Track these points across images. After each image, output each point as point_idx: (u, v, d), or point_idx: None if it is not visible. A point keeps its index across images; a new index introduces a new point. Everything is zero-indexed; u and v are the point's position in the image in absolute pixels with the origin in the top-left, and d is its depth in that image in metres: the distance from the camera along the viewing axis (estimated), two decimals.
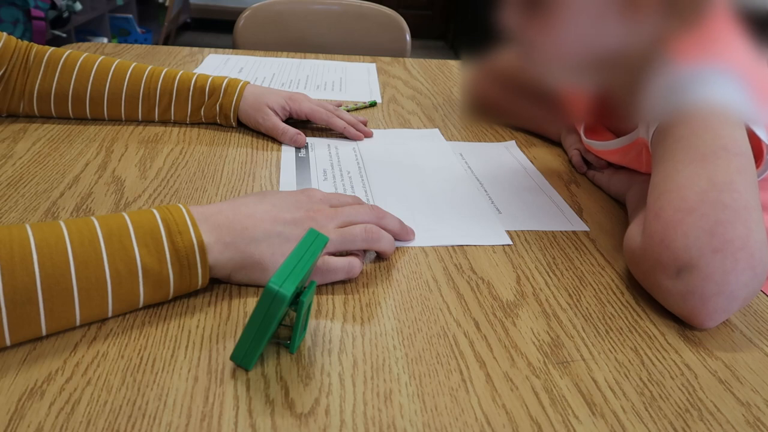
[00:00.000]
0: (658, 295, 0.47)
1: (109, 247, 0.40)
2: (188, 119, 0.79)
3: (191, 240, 0.42)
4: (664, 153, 0.51)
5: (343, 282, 0.49)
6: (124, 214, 0.43)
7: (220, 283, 0.47)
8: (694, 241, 0.43)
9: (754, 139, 0.50)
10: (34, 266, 0.37)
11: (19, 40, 0.76)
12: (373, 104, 0.94)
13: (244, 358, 0.39)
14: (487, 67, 0.86)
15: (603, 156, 0.71)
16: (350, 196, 0.54)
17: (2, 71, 0.73)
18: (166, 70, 0.77)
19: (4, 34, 0.73)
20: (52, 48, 0.77)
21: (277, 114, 0.77)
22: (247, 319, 0.43)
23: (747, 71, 0.53)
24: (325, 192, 0.53)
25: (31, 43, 0.76)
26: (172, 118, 0.79)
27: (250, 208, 0.47)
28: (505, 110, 0.88)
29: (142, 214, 0.43)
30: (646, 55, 0.56)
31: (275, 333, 0.41)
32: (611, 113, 0.70)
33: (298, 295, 0.40)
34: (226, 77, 0.78)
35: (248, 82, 0.79)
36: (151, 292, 0.42)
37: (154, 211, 0.43)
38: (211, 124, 0.80)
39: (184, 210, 0.44)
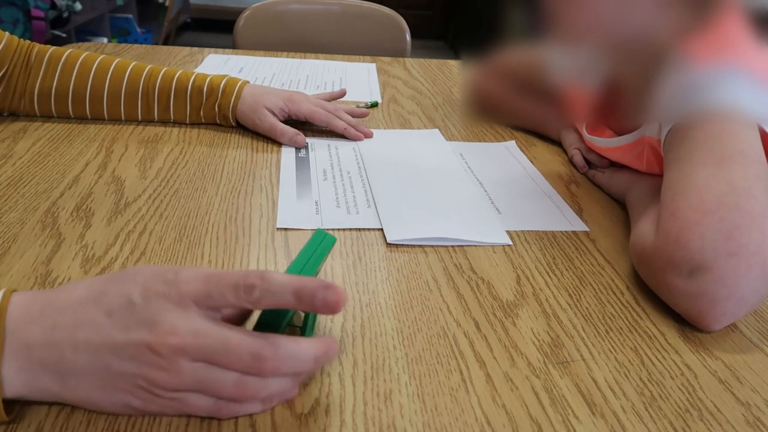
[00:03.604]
0: (667, 294, 0.47)
1: None
2: (188, 119, 0.79)
3: None
4: (681, 154, 0.51)
5: (343, 282, 0.49)
6: None
7: None
8: (710, 243, 0.43)
9: (764, 138, 0.51)
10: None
11: (21, 39, 0.76)
12: (374, 105, 0.94)
13: None
14: (488, 65, 0.86)
15: (604, 153, 0.71)
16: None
17: (4, 70, 0.73)
18: (165, 69, 0.77)
19: (6, 33, 0.73)
20: (54, 47, 0.77)
21: (275, 115, 0.77)
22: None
23: (761, 72, 0.54)
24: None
25: (33, 42, 0.76)
26: (172, 118, 0.78)
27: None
28: (506, 109, 0.88)
29: None
30: (664, 49, 0.56)
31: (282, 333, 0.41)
32: (615, 111, 0.70)
33: None
34: (225, 76, 0.78)
35: (247, 82, 0.79)
36: None
37: None
38: (211, 124, 0.80)
39: None
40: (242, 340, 0.32)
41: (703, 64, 0.54)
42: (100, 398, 0.33)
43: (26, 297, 0.34)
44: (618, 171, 0.69)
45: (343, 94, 0.91)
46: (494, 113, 0.90)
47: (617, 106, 0.69)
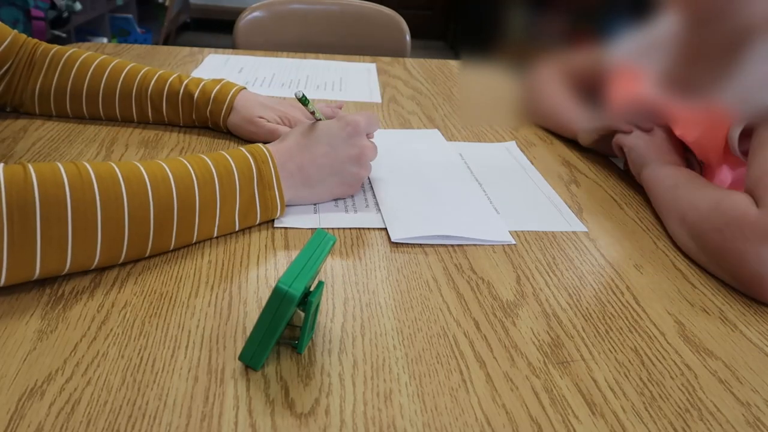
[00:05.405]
0: (752, 257, 0.50)
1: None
2: (181, 122, 0.78)
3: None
4: None
5: (343, 282, 0.49)
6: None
7: (220, 283, 0.47)
8: None
9: None
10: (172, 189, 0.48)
11: (28, 37, 0.76)
12: (304, 101, 0.77)
13: (252, 358, 0.39)
14: (548, 69, 0.87)
15: (675, 111, 0.70)
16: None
17: (7, 66, 0.74)
18: (160, 72, 0.76)
19: (14, 30, 0.74)
20: (57, 46, 0.77)
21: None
22: (248, 319, 0.44)
23: None
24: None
25: (39, 41, 0.77)
26: (166, 120, 0.77)
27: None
28: (553, 112, 0.88)
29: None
30: (753, 29, 0.59)
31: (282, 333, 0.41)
32: (687, 89, 0.70)
33: (306, 295, 0.40)
34: (219, 82, 0.75)
35: (243, 89, 0.75)
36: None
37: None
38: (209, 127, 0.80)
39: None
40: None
41: None
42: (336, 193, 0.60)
43: (272, 148, 0.56)
44: (643, 140, 0.70)
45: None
46: (542, 117, 0.90)
47: (691, 85, 0.69)
